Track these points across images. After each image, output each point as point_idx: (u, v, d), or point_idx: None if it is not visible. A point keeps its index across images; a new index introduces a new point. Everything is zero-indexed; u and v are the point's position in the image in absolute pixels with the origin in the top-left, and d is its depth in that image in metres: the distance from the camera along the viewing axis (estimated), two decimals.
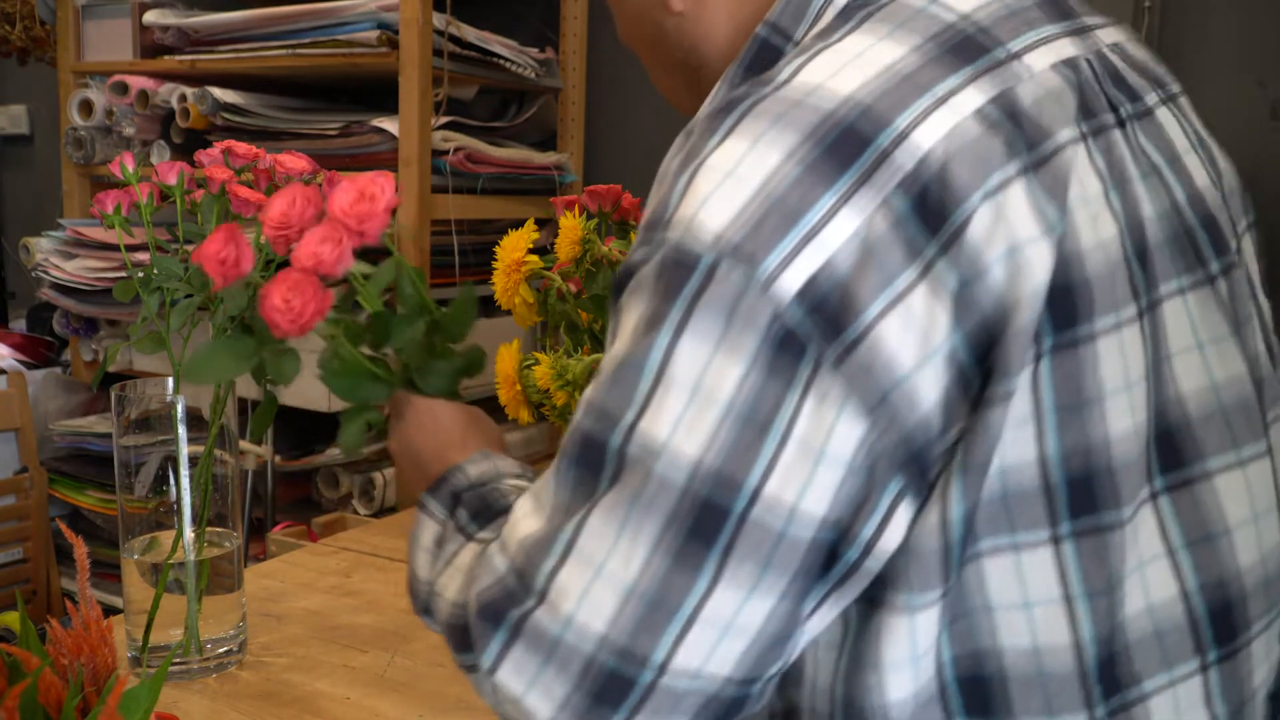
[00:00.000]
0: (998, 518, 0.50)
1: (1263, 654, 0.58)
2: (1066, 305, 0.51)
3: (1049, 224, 0.50)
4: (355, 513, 1.67)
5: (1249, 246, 0.64)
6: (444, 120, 1.69)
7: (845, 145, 0.49)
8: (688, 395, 0.48)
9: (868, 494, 0.49)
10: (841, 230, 0.48)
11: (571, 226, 1.00)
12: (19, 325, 2.36)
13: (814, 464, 0.48)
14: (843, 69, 0.52)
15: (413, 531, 0.64)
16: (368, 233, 0.64)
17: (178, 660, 0.99)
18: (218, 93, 1.69)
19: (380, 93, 1.78)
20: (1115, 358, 0.51)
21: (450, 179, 1.68)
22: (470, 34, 1.72)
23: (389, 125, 1.63)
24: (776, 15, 0.59)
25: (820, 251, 0.47)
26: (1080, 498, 0.51)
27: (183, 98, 1.71)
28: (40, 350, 2.15)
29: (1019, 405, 0.50)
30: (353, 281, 0.69)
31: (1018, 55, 0.54)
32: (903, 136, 0.49)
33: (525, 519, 0.54)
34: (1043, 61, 0.55)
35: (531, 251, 1.01)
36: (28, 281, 2.27)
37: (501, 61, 1.78)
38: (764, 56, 0.59)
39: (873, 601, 0.52)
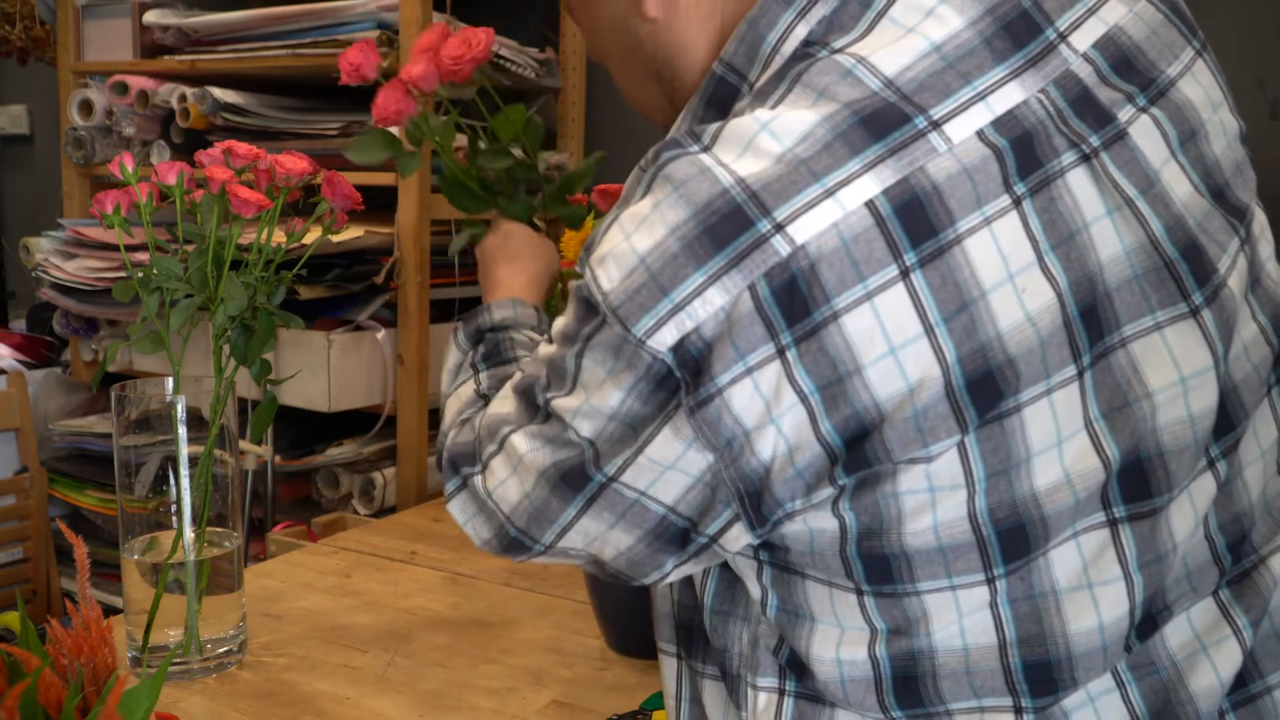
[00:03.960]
0: (935, 565, 0.56)
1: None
2: (987, 389, 0.53)
3: (932, 322, 0.52)
4: (355, 513, 1.67)
5: (1258, 227, 0.62)
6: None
7: (724, 228, 0.53)
8: (585, 396, 0.59)
9: (710, 505, 0.58)
10: (709, 304, 0.53)
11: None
12: (19, 325, 2.36)
13: (663, 469, 0.57)
14: (749, 145, 0.54)
15: (446, 351, 0.84)
16: (459, 71, 0.91)
17: (178, 660, 0.99)
18: (218, 93, 1.69)
19: None
20: (1045, 420, 0.54)
21: None
22: None
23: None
24: (730, 55, 0.62)
25: (688, 320, 0.54)
26: (1010, 546, 0.56)
27: (183, 98, 1.71)
28: (40, 350, 2.14)
29: (949, 475, 0.54)
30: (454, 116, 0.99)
31: (939, 124, 0.54)
32: (780, 227, 0.52)
33: (500, 401, 0.68)
34: (967, 128, 0.54)
35: None
36: (28, 281, 2.27)
37: (501, 61, 1.78)
38: (720, 94, 0.62)
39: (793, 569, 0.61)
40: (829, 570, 0.59)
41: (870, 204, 0.52)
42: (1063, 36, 0.57)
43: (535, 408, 0.64)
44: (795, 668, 0.63)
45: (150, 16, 1.82)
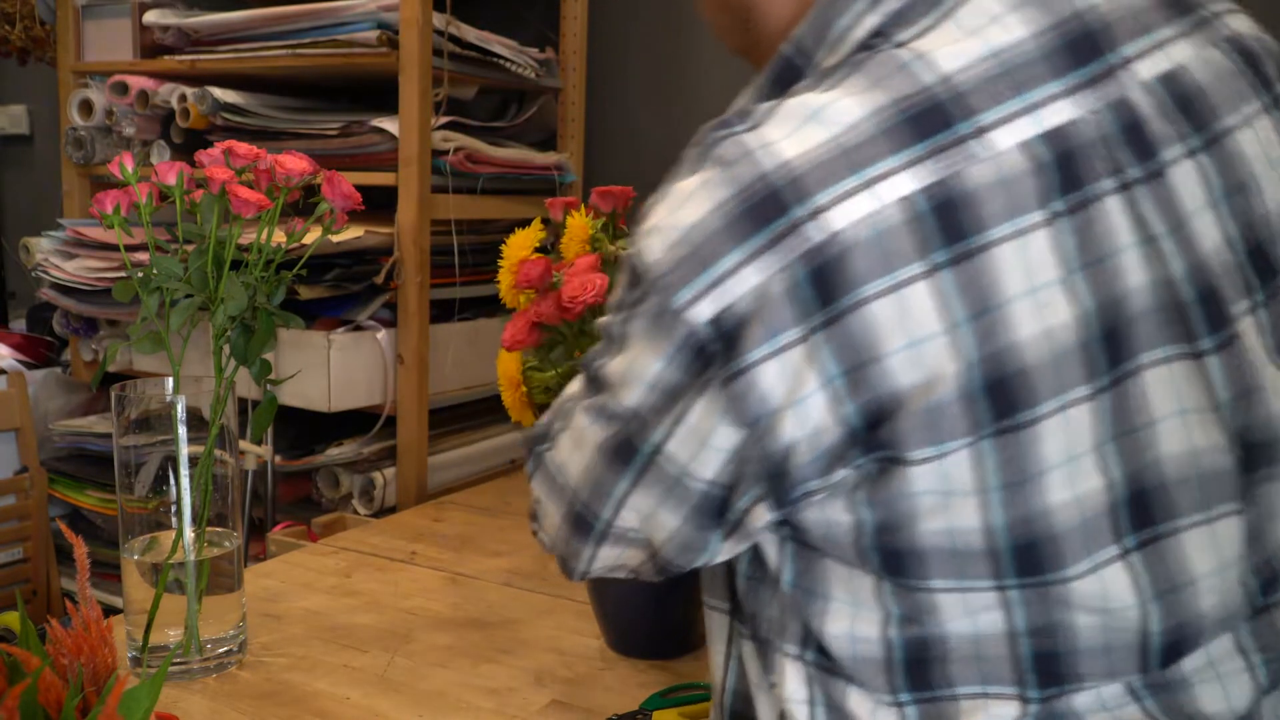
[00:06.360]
0: (947, 566, 0.57)
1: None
2: (1002, 395, 0.54)
3: (953, 321, 0.53)
4: (355, 513, 1.67)
5: None
6: (444, 120, 1.69)
7: (765, 209, 0.54)
8: (627, 365, 0.60)
9: (740, 479, 0.59)
10: (745, 282, 0.54)
11: (579, 226, 1.00)
12: (19, 325, 2.36)
13: (700, 443, 0.58)
14: (797, 129, 0.55)
15: None
16: (572, 311, 0.98)
17: (178, 660, 0.99)
18: (218, 93, 1.69)
19: (380, 93, 1.78)
20: (1059, 436, 0.55)
21: (450, 179, 1.68)
22: (470, 34, 1.72)
23: (389, 125, 1.63)
24: (800, 36, 0.62)
25: (725, 295, 0.55)
26: (1022, 561, 0.56)
27: (183, 98, 1.71)
28: (40, 350, 2.15)
29: (962, 478, 0.55)
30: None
31: (984, 130, 0.54)
32: (818, 212, 0.54)
33: (574, 382, 0.70)
34: (1012, 138, 0.54)
35: (537, 250, 1.02)
36: (28, 281, 2.27)
37: (501, 61, 1.77)
38: (787, 75, 0.63)
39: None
40: (845, 559, 0.60)
41: (905, 200, 0.53)
42: (1126, 63, 0.58)
43: (592, 380, 0.65)
44: (814, 640, 0.63)
45: (150, 16, 1.82)
